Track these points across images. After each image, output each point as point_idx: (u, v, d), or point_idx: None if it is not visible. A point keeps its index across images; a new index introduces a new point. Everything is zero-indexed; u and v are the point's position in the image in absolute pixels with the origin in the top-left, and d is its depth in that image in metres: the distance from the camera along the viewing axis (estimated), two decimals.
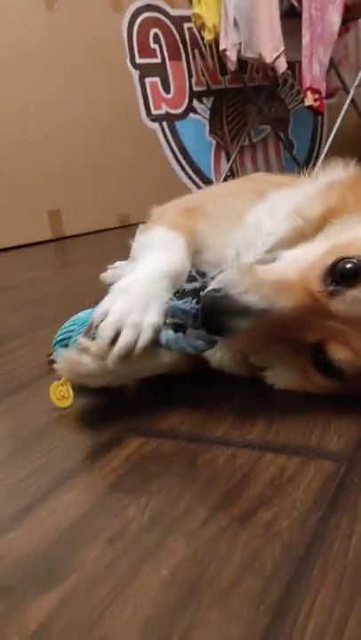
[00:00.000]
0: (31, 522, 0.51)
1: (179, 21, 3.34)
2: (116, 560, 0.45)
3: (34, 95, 2.70)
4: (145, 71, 3.24)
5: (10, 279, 1.92)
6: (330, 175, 0.77)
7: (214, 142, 3.56)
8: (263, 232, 0.75)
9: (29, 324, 1.26)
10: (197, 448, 0.60)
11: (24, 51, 2.67)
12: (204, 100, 3.51)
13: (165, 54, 3.32)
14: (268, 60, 2.93)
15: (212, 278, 0.63)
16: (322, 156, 3.02)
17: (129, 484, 0.55)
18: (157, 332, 0.65)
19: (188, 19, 3.24)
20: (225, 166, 3.50)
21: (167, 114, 3.33)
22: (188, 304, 0.65)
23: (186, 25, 3.35)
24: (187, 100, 3.44)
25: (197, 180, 3.39)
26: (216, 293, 0.59)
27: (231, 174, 3.43)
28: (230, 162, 3.48)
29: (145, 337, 0.64)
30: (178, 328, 0.65)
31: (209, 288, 0.60)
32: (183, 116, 3.42)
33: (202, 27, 3.13)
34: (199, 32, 3.25)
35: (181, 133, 3.40)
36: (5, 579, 0.44)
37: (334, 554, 0.42)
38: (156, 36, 3.29)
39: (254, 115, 3.56)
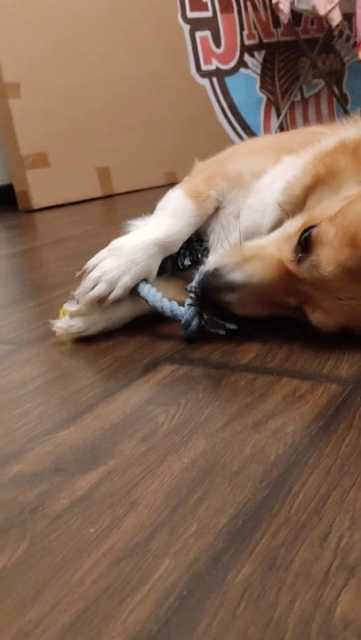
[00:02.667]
0: (80, 423, 0.61)
1: None
2: (147, 451, 0.54)
3: (84, 52, 2.75)
4: (196, 25, 3.21)
5: (61, 233, 2.03)
6: (341, 134, 0.78)
7: (265, 98, 3.52)
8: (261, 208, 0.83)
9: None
10: (223, 373, 0.69)
11: (74, 5, 2.70)
12: (256, 54, 3.46)
13: (217, 7, 3.28)
14: (322, 12, 2.87)
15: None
16: None
17: (161, 399, 0.65)
18: (127, 291, 0.81)
19: None
20: (275, 123, 3.47)
21: (217, 69, 3.31)
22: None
23: None
24: (238, 55, 3.40)
25: (246, 136, 3.38)
26: (208, 274, 0.71)
27: (281, 131, 3.40)
28: (280, 118, 3.45)
29: (115, 293, 0.80)
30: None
31: (205, 269, 0.73)
32: (233, 71, 3.38)
33: None
34: None
35: (231, 89, 3.38)
36: (59, 461, 0.54)
37: (329, 449, 0.50)
38: None
39: (307, 68, 3.49)
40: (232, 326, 0.76)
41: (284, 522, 0.42)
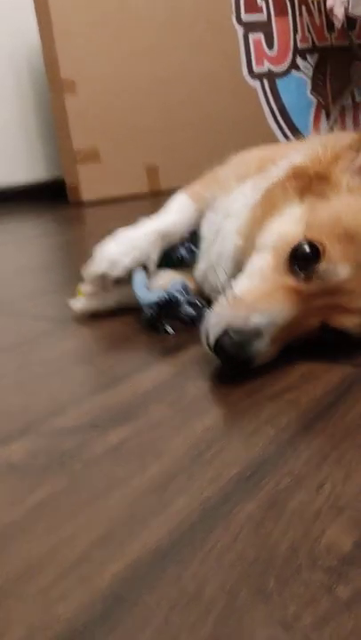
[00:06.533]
0: (116, 389, 0.68)
1: None
2: (174, 414, 0.61)
3: (138, 50, 2.83)
4: (250, 28, 3.25)
5: (106, 226, 2.11)
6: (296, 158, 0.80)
7: (315, 101, 3.53)
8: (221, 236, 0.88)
9: None
10: None
11: (129, 5, 2.78)
12: (308, 57, 3.48)
13: (272, 10, 3.31)
14: None
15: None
16: None
17: (191, 373, 0.71)
18: (126, 271, 0.89)
19: None
20: (325, 126, 3.47)
21: (269, 71, 3.34)
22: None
23: None
24: (290, 57, 3.42)
25: (294, 139, 3.40)
26: (226, 336, 0.63)
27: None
28: (330, 121, 3.46)
29: (115, 272, 0.90)
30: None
31: (216, 333, 0.64)
32: (285, 73, 3.41)
33: None
34: None
35: (282, 91, 3.40)
36: (95, 419, 0.61)
37: (335, 418, 0.56)
38: None
39: (360, 72, 3.49)
40: (170, 330, 0.84)
41: (288, 473, 0.48)
